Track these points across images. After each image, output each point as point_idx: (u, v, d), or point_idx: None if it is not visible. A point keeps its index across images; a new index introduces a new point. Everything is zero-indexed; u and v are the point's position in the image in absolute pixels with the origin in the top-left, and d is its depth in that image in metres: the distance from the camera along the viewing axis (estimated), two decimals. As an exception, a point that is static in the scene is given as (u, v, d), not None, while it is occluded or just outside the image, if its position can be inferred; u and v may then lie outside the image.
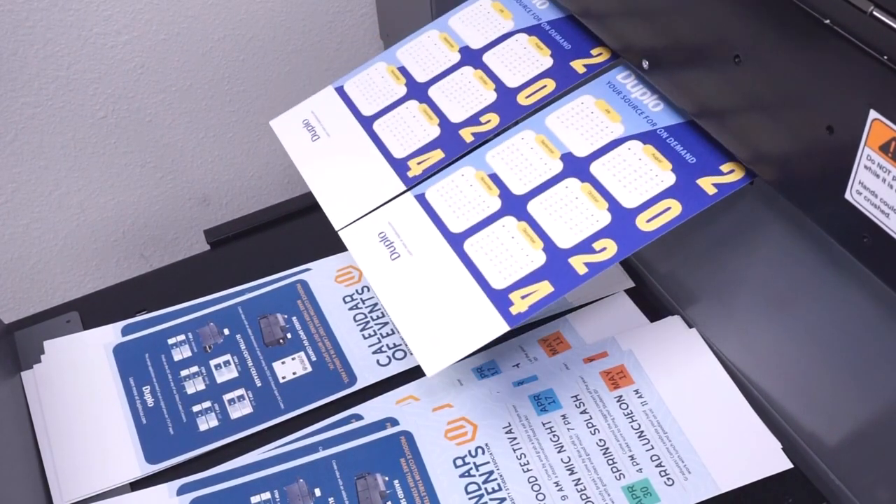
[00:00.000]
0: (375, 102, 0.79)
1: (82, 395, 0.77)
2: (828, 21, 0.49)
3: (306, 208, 0.92)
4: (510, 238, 0.67)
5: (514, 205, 0.69)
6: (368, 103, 0.79)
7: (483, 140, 0.73)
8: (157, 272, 0.90)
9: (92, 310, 0.84)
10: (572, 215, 0.67)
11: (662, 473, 0.69)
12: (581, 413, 0.73)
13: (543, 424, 0.72)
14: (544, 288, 0.65)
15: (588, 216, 0.66)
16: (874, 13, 0.47)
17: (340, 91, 0.81)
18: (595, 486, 0.68)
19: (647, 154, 0.68)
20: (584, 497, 0.68)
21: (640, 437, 0.71)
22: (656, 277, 0.81)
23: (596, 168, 0.68)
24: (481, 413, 0.73)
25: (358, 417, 0.74)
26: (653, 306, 0.80)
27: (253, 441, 0.74)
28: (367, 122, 0.78)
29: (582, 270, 0.64)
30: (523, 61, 0.76)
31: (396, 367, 0.78)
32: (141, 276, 0.90)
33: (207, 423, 0.76)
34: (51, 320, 0.83)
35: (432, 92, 0.78)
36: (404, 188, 0.73)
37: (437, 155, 0.73)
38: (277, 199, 0.95)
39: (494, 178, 0.71)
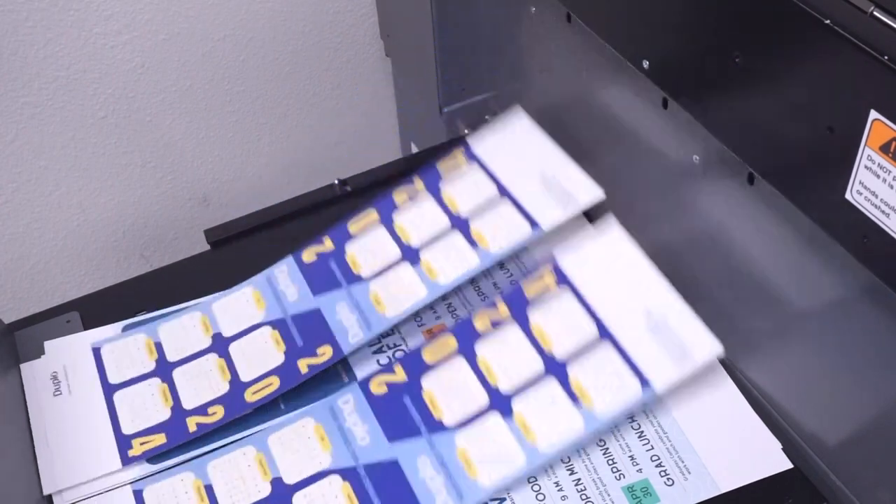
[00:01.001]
0: (123, 372, 0.79)
1: (83, 394, 0.77)
2: (828, 21, 0.49)
3: (306, 208, 0.92)
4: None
5: None
6: (118, 370, 0.79)
7: (207, 430, 0.74)
8: (157, 272, 0.90)
9: (92, 310, 0.84)
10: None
11: (662, 473, 0.69)
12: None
13: (543, 424, 0.72)
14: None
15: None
16: (874, 13, 0.47)
17: (97, 352, 0.81)
18: (595, 486, 0.68)
19: (344, 492, 0.69)
20: (583, 497, 0.68)
21: (639, 437, 0.71)
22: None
23: (298, 499, 0.69)
24: (481, 414, 0.74)
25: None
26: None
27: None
28: (109, 391, 0.78)
29: None
30: (260, 355, 0.78)
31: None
32: (141, 276, 0.90)
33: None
34: (51, 320, 0.83)
35: (176, 374, 0.78)
36: (120, 466, 0.72)
37: (160, 439, 0.74)
38: (277, 199, 0.95)
39: (210, 489, 0.71)
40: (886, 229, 0.50)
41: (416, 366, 0.74)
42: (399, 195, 0.85)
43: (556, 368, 0.71)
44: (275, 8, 1.06)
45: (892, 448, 0.61)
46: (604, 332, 0.71)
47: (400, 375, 0.74)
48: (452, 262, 0.78)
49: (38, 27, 0.95)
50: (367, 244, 0.83)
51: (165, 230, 1.17)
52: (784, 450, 0.69)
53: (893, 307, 0.57)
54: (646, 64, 0.66)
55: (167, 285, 0.87)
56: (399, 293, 0.78)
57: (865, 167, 0.50)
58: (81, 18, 0.96)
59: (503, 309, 0.75)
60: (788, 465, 0.68)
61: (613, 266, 0.74)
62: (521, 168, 0.82)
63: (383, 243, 0.82)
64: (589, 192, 0.78)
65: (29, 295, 1.13)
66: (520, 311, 0.74)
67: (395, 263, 0.80)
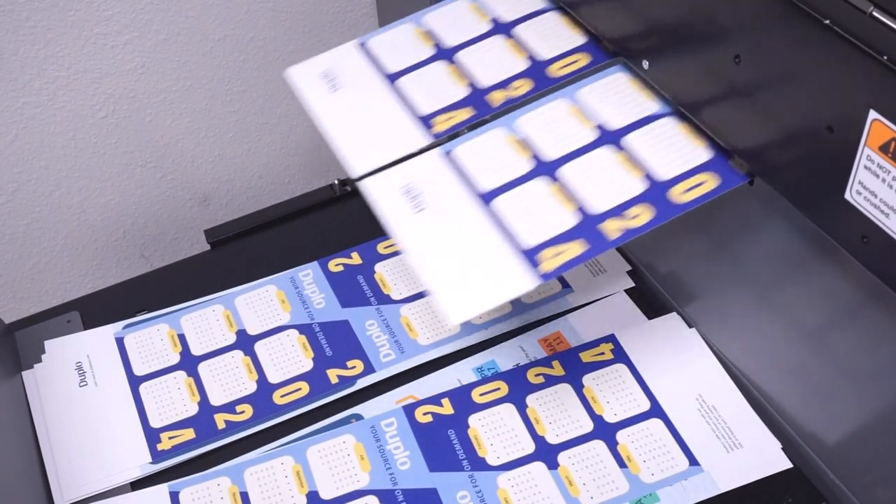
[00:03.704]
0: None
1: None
2: (828, 21, 0.49)
3: (306, 208, 0.92)
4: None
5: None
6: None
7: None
8: (157, 272, 0.90)
9: (92, 310, 0.84)
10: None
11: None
12: (581, 413, 0.73)
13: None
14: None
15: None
16: (874, 13, 0.47)
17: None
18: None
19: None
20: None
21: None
22: (656, 277, 0.81)
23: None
24: (481, 413, 0.74)
25: (358, 417, 0.74)
26: (653, 306, 0.80)
27: (253, 441, 0.74)
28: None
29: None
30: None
31: (396, 367, 0.78)
32: (141, 276, 0.90)
33: (207, 423, 0.76)
34: (51, 320, 0.84)
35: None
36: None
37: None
38: (277, 199, 0.95)
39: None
40: (886, 229, 0.50)
41: (465, 403, 0.74)
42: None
43: (605, 432, 0.71)
44: (275, 8, 1.06)
45: (891, 447, 0.62)
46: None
47: (447, 409, 0.73)
48: None
49: (38, 27, 0.95)
50: (397, 267, 0.82)
51: (165, 230, 1.17)
52: (784, 449, 0.69)
53: (893, 307, 0.57)
54: (646, 64, 0.66)
55: (167, 285, 0.87)
56: (431, 324, 0.78)
57: (865, 167, 0.50)
58: (82, 18, 0.96)
59: (558, 368, 0.75)
60: (788, 464, 0.68)
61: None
62: None
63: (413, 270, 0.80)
64: None
65: (29, 295, 1.13)
66: (574, 373, 0.74)
67: (425, 293, 0.80)
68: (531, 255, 0.62)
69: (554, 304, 0.81)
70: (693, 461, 0.69)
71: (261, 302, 0.83)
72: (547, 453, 0.70)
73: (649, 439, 0.70)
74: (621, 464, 0.69)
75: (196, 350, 0.80)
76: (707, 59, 0.60)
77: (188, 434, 0.74)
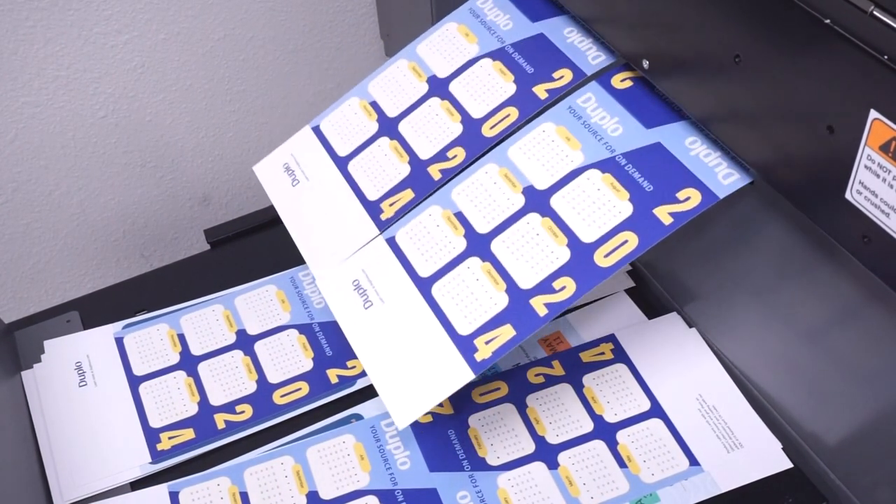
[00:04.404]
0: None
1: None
2: (828, 21, 0.49)
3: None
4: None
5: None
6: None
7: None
8: (157, 272, 0.90)
9: (92, 310, 0.84)
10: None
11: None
12: (581, 413, 0.73)
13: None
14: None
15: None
16: (874, 13, 0.47)
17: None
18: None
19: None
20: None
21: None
22: (657, 277, 0.81)
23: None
24: (481, 413, 0.74)
25: (358, 417, 0.74)
26: (653, 306, 0.80)
27: (253, 441, 0.74)
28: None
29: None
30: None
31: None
32: (141, 276, 0.90)
33: (207, 423, 0.76)
34: (51, 320, 0.83)
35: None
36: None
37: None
38: (277, 199, 0.94)
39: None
40: (886, 229, 0.50)
41: (465, 403, 0.74)
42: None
43: (605, 432, 0.71)
44: (275, 8, 1.06)
45: (892, 447, 0.61)
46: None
47: (447, 409, 0.73)
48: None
49: (38, 27, 0.95)
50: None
51: (165, 230, 1.17)
52: (784, 449, 0.69)
53: (893, 307, 0.57)
54: (646, 64, 0.66)
55: (167, 285, 0.87)
56: None
57: (865, 167, 0.50)
58: (81, 18, 0.96)
59: (558, 367, 0.75)
60: (788, 464, 0.68)
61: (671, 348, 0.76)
62: None
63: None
64: None
65: (29, 295, 1.13)
66: (574, 373, 0.74)
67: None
68: (468, 343, 0.66)
69: None
70: (693, 461, 0.69)
71: (261, 302, 0.83)
72: (547, 453, 0.70)
73: (649, 439, 0.70)
74: (621, 464, 0.69)
75: (196, 350, 0.80)
76: (707, 58, 0.60)
77: (188, 434, 0.74)
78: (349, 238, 0.74)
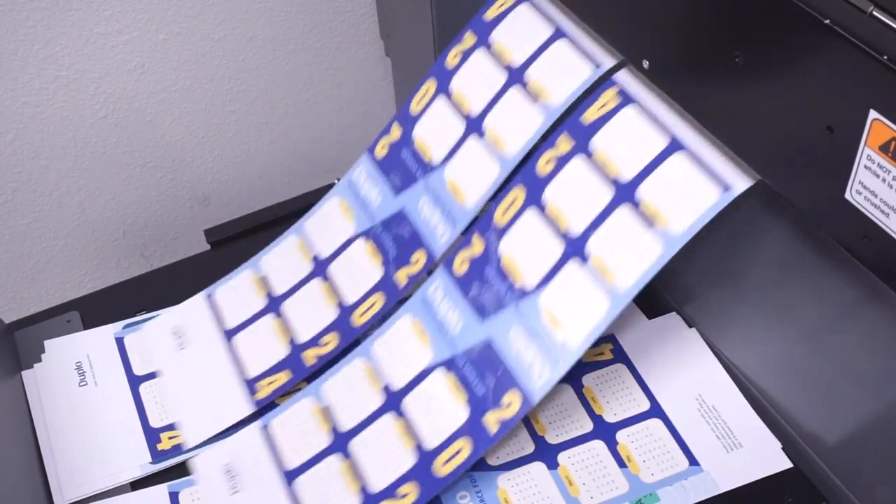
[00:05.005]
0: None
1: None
2: (828, 21, 0.49)
3: (306, 208, 0.92)
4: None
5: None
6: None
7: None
8: (157, 272, 0.90)
9: (92, 310, 0.84)
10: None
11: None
12: (581, 413, 0.73)
13: (543, 424, 0.72)
14: None
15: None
16: (874, 13, 0.47)
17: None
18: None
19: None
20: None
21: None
22: (656, 277, 0.81)
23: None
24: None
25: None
26: (653, 306, 0.80)
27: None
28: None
29: None
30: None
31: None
32: (141, 276, 0.90)
33: (207, 423, 0.76)
34: (51, 320, 0.84)
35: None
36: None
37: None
38: (277, 199, 0.95)
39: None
40: (886, 229, 0.50)
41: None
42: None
43: (605, 432, 0.71)
44: (275, 8, 1.06)
45: (892, 447, 0.62)
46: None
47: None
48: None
49: (38, 27, 0.95)
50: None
51: (165, 230, 1.17)
52: (784, 449, 0.69)
53: (893, 307, 0.57)
54: (646, 64, 0.66)
55: (167, 285, 0.87)
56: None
57: (865, 167, 0.50)
58: (82, 18, 0.96)
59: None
60: (788, 464, 0.68)
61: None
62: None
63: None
64: None
65: (29, 295, 1.13)
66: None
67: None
68: None
69: None
70: (693, 461, 0.69)
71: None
72: (547, 453, 0.70)
73: (649, 439, 0.70)
74: (621, 464, 0.69)
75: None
76: (707, 58, 0.60)
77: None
78: (223, 415, 0.74)
